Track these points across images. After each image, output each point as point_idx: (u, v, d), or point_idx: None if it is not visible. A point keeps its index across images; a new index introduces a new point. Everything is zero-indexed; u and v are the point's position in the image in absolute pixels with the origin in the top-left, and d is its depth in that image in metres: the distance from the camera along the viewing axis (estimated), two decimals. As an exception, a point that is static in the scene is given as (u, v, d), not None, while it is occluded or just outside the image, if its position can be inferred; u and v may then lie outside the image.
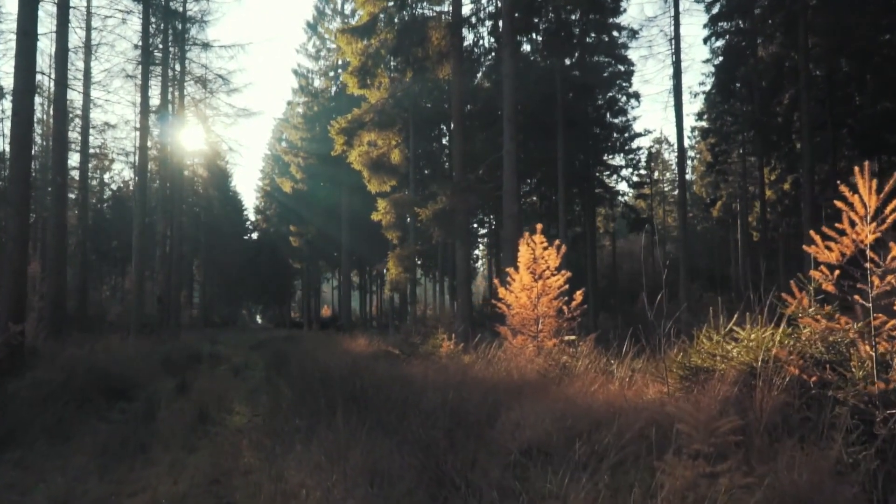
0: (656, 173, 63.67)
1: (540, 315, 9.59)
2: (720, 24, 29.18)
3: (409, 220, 25.11)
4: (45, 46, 30.09)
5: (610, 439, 4.66)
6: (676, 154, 26.73)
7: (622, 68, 33.62)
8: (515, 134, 15.57)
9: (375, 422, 5.50)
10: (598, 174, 39.83)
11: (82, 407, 7.88)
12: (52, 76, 17.86)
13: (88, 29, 30.84)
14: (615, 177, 43.56)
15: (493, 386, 7.11)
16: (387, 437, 5.13)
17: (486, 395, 6.54)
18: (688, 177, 53.41)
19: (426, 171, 36.43)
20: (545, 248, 9.65)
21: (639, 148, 45.80)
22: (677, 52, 25.17)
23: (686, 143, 42.19)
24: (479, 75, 30.22)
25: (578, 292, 9.52)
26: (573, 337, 9.72)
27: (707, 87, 41.24)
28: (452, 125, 18.21)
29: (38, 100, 35.21)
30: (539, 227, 9.75)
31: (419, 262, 39.77)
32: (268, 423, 7.41)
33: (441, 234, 17.46)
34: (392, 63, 19.78)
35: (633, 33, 28.69)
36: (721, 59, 30.95)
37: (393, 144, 19.83)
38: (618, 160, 41.55)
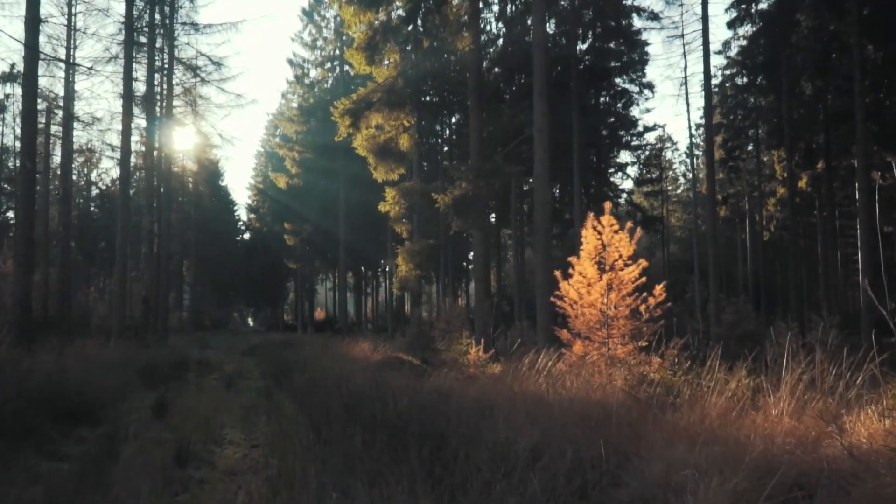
0: (656, 173, 61.96)
1: (611, 316, 7.63)
2: (746, 6, 27.38)
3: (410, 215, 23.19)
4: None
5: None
6: (704, 143, 24.93)
7: (636, 56, 31.81)
8: (547, 110, 13.66)
9: (454, 481, 3.53)
10: (604, 170, 37.96)
11: (22, 439, 5.86)
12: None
13: (70, 14, 28.80)
14: (620, 174, 41.70)
15: (585, 414, 5.16)
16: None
17: (588, 432, 4.58)
18: (693, 175, 51.50)
19: (425, 167, 34.37)
20: (616, 232, 7.70)
21: (647, 144, 43.82)
22: (705, 32, 23.30)
23: (692, 140, 40.46)
24: (485, 63, 28.40)
25: (659, 286, 7.58)
26: (644, 343, 7.80)
27: (718, 81, 39.55)
28: (470, 103, 16.26)
29: (20, 91, 33.09)
30: (608, 205, 7.81)
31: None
32: (272, 461, 5.43)
33: (461, 224, 15.55)
34: (404, 31, 17.83)
35: (654, 16, 26.90)
36: (747, 41, 29.14)
37: (402, 128, 17.88)
38: (625, 157, 39.84)
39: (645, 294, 7.60)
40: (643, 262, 7.62)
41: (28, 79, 16.57)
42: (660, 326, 7.52)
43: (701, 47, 23.23)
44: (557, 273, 8.19)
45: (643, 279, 7.62)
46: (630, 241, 7.65)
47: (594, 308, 7.66)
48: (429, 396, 5.82)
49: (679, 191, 63.94)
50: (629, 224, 8.17)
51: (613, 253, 7.64)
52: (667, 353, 7.13)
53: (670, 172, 66.65)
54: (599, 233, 7.75)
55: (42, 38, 24.85)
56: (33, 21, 16.21)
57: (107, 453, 5.58)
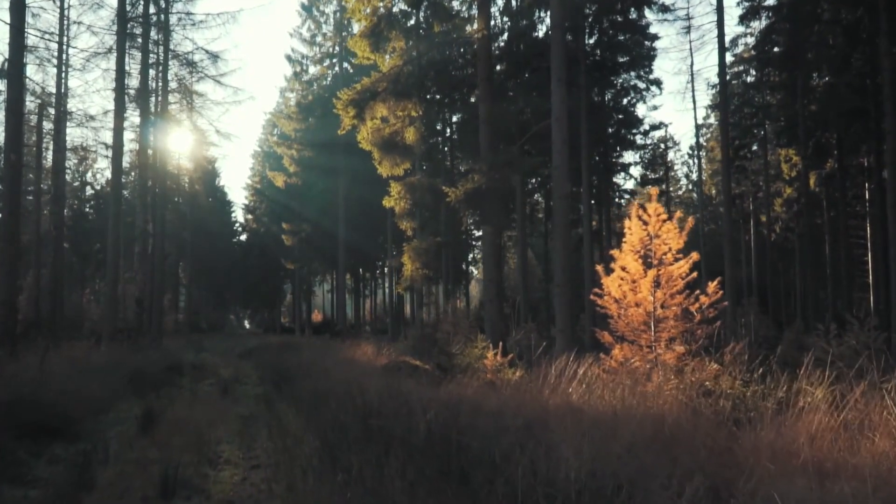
0: (661, 173, 61.14)
1: (658, 317, 6.75)
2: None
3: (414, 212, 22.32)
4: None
5: None
6: (720, 137, 24.24)
7: (643, 51, 30.98)
8: (566, 97, 12.82)
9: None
10: (610, 169, 37.04)
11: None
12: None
13: (63, 7, 27.88)
14: (623, 174, 40.79)
15: (654, 433, 4.27)
16: None
17: (668, 456, 3.70)
18: (696, 176, 50.65)
19: (424, 167, 33.40)
20: (664, 223, 6.82)
21: (651, 143, 42.89)
22: (720, 23, 22.54)
23: (698, 140, 39.68)
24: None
25: (713, 283, 6.70)
26: (683, 348, 6.92)
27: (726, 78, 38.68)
28: (479, 93, 15.46)
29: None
30: (654, 192, 6.94)
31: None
32: (276, 488, 4.54)
33: (474, 220, 14.70)
34: (410, 20, 17.00)
35: (665, 8, 26.10)
36: (760, 34, 28.35)
37: (408, 121, 17.02)
38: (628, 157, 39.12)
39: (697, 292, 6.73)
40: (695, 256, 6.76)
41: (14, 66, 15.64)
42: (714, 329, 6.64)
43: (709, 41, 22.59)
44: (599, 268, 7.31)
45: (694, 274, 6.75)
46: (680, 233, 6.78)
47: (640, 308, 6.78)
48: (465, 413, 4.92)
49: (681, 192, 63.31)
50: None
51: (662, 245, 6.76)
52: (727, 359, 6.25)
53: (672, 173, 65.88)
54: (645, 223, 6.87)
55: (35, 34, 23.91)
56: (19, 3, 15.34)
57: (80, 479, 4.69)
